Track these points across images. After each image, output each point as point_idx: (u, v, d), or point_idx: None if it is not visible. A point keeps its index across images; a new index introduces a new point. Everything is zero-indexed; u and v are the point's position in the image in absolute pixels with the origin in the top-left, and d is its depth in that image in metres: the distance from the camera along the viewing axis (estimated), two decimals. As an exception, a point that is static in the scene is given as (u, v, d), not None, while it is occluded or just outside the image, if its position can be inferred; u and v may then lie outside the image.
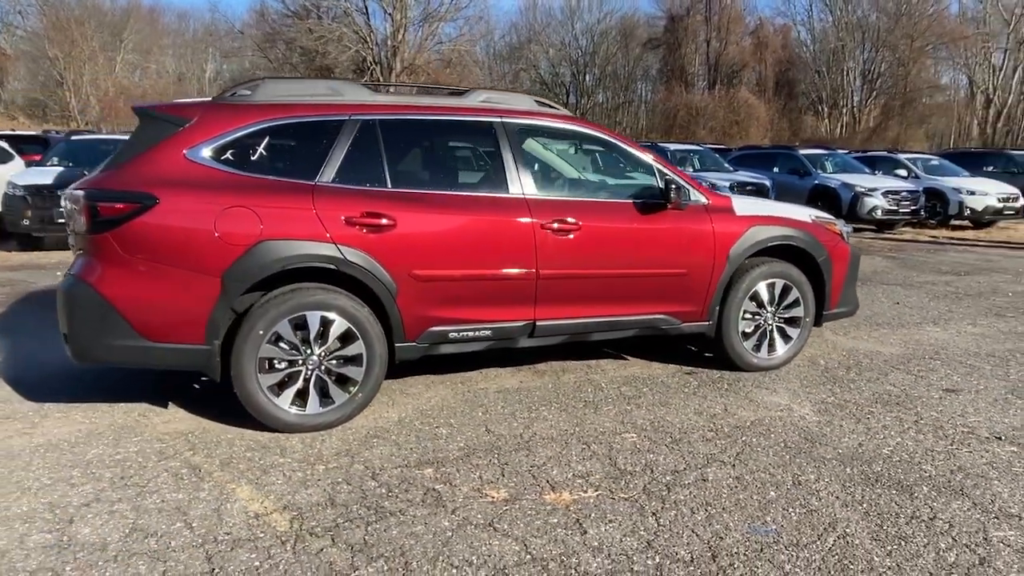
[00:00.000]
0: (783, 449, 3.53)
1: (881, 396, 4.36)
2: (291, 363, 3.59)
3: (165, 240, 3.37)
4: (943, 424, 3.91)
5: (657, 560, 2.56)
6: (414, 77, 35.53)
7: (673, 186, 4.26)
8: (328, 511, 2.86)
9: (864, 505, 2.98)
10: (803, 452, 3.50)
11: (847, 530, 2.78)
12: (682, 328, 4.55)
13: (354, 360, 3.69)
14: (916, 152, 21.63)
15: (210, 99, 3.93)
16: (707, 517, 2.86)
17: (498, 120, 4.13)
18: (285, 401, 3.58)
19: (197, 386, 4.33)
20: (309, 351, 3.61)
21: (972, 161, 17.54)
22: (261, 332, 3.48)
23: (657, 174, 4.39)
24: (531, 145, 4.39)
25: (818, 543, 2.68)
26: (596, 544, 2.65)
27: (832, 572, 2.50)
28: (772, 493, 3.07)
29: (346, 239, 3.59)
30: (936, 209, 14.91)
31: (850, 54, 50.20)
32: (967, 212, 14.83)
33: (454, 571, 2.47)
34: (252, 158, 3.62)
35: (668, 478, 3.19)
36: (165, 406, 3.95)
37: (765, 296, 4.67)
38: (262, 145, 3.64)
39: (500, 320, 4.02)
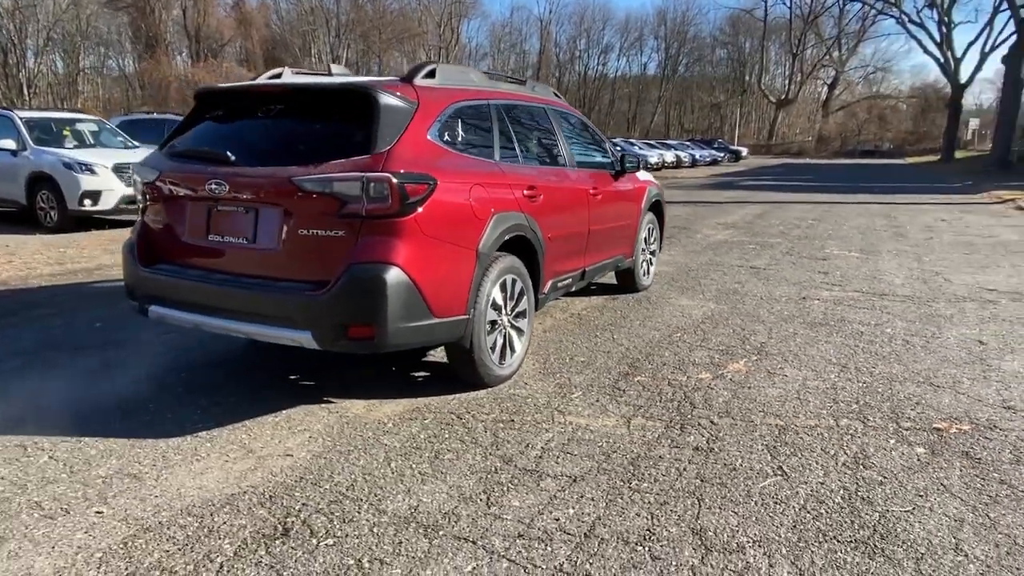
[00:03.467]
0: (690, 324, 5.33)
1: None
2: (494, 324, 3.80)
3: (445, 218, 3.39)
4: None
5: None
6: None
7: (622, 157, 5.58)
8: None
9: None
10: (692, 327, 5.37)
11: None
12: (625, 264, 5.93)
13: (522, 315, 4.05)
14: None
15: (403, 79, 3.61)
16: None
17: (548, 107, 4.93)
18: (496, 358, 3.82)
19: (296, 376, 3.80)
20: (504, 310, 3.87)
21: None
22: (489, 297, 3.65)
23: (609, 148, 5.61)
24: (564, 126, 5.09)
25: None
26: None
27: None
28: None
29: (526, 209, 4.03)
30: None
31: (320, 40, 54.20)
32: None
33: None
34: (457, 139, 3.71)
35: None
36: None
37: (651, 235, 6.41)
38: (459, 126, 3.75)
39: (573, 268, 4.78)
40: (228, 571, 2.23)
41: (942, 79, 47.66)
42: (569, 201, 4.66)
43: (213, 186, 3.29)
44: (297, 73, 4.11)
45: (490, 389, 3.84)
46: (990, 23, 39.59)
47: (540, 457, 3.03)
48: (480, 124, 3.96)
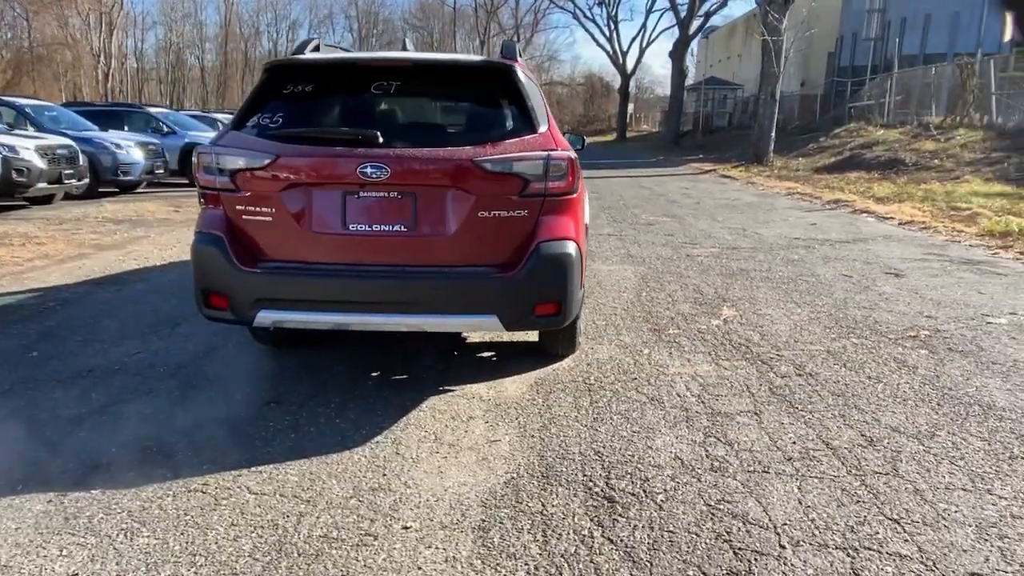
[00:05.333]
0: (638, 285, 6.19)
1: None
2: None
3: (582, 193, 3.53)
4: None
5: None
6: None
7: None
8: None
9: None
10: (645, 287, 6.26)
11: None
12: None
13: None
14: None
15: (510, 58, 3.46)
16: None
17: None
18: None
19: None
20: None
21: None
22: None
23: None
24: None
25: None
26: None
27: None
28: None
29: None
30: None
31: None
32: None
33: None
34: None
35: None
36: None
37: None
38: None
39: None
40: (605, 537, 2.28)
41: (604, 69, 55.13)
42: None
43: (368, 170, 2.97)
44: (329, 47, 3.77)
45: (570, 357, 4.04)
46: (644, 23, 46.99)
47: (700, 398, 3.42)
48: None
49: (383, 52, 3.63)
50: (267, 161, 3.05)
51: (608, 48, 48.27)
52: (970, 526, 2.33)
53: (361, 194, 3.05)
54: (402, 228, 3.06)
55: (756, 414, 3.25)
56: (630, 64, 48.73)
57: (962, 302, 5.24)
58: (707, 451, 2.88)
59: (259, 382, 3.60)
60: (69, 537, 2.27)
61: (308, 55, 3.45)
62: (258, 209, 3.10)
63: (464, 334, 4.38)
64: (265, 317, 3.10)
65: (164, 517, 2.38)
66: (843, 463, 2.76)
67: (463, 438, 3.02)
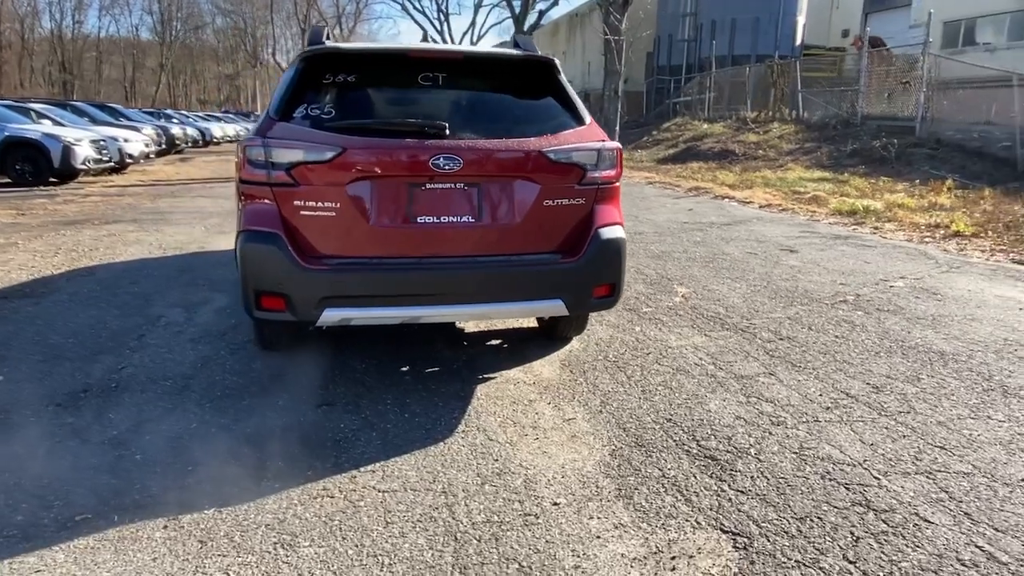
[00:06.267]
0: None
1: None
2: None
3: None
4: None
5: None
6: None
7: None
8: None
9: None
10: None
11: (698, 271, 6.51)
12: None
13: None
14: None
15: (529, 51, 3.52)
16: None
17: None
18: None
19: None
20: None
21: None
22: None
23: None
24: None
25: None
26: (727, 297, 5.51)
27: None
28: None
29: None
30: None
31: None
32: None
33: None
34: None
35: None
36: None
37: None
38: None
39: None
40: (735, 490, 2.55)
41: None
42: None
43: (441, 162, 2.96)
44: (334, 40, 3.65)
45: (576, 339, 4.26)
46: (474, 19, 47.73)
47: (717, 365, 3.79)
48: None
49: (423, 44, 3.56)
50: (332, 154, 2.93)
51: (439, 42, 48.45)
52: (996, 444, 2.88)
53: (427, 186, 3.03)
54: (469, 219, 3.09)
55: (772, 374, 3.67)
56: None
57: (859, 271, 6.13)
58: (759, 409, 3.24)
59: (289, 387, 3.43)
60: (222, 559, 2.12)
61: (349, 45, 3.32)
62: (320, 204, 2.97)
63: (460, 324, 4.43)
64: (331, 315, 2.99)
65: (310, 526, 2.29)
66: (870, 407, 3.25)
67: (539, 420, 3.13)
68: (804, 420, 3.11)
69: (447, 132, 3.03)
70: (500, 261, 3.13)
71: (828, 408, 3.24)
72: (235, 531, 2.25)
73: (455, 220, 3.08)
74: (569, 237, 3.23)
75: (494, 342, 4.23)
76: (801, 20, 29.65)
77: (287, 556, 2.13)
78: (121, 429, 2.96)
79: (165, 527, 2.27)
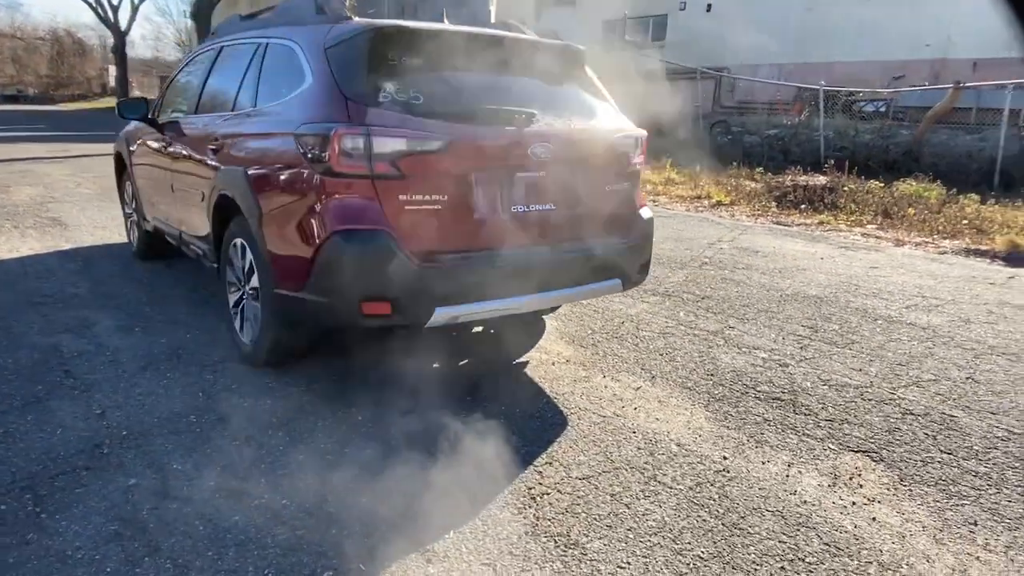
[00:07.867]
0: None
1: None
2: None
3: None
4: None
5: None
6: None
7: None
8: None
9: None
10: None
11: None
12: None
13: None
14: None
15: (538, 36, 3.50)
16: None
17: None
18: None
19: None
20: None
21: None
22: None
23: None
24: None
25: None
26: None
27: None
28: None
29: None
30: None
31: None
32: None
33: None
34: None
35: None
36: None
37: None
38: None
39: None
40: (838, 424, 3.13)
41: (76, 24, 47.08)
42: None
43: (539, 150, 2.93)
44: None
45: (600, 313, 4.54)
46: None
47: (682, 324, 4.35)
48: None
49: (472, 27, 3.35)
50: (439, 144, 2.72)
51: (94, 3, 41.42)
52: (906, 350, 3.89)
53: (519, 174, 2.99)
54: (551, 206, 3.12)
55: (731, 328, 4.34)
56: (123, 22, 42.82)
57: (685, 237, 7.23)
58: (758, 356, 3.86)
59: (358, 396, 3.10)
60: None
61: (412, 23, 2.99)
62: (426, 197, 2.74)
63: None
64: (441, 315, 2.80)
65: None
66: (827, 343, 4.08)
67: (615, 392, 3.34)
68: (796, 359, 3.81)
69: (536, 119, 3.02)
70: (580, 246, 3.22)
71: (802, 348, 4.00)
72: (617, 523, 2.12)
73: (541, 208, 3.09)
74: (621, 219, 3.44)
75: (490, 329, 4.22)
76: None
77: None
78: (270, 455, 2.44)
79: (520, 518, 2.04)
